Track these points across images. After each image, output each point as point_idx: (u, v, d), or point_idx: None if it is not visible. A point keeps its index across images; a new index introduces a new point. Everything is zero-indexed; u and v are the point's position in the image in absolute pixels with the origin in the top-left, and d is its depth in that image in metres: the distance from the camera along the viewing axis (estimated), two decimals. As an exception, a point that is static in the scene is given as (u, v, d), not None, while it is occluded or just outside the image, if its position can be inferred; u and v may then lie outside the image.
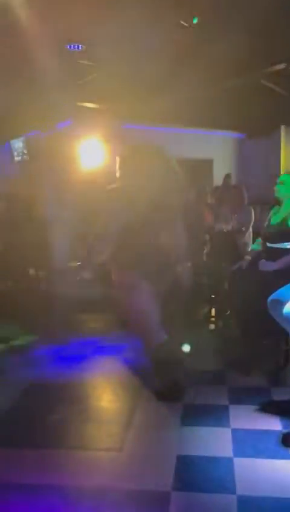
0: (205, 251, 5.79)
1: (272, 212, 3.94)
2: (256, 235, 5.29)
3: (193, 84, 5.64)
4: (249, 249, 5.33)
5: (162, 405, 3.18)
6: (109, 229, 2.84)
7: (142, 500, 2.19)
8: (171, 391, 3.12)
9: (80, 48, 4.48)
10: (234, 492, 2.19)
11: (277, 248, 3.61)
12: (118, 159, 2.92)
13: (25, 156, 9.31)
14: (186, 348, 3.67)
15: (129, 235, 2.79)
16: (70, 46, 4.30)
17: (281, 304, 2.97)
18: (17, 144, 9.44)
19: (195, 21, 3.77)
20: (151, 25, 3.92)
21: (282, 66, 5.45)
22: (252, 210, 5.51)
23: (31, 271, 6.83)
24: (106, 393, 3.48)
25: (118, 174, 2.88)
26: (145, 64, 4.72)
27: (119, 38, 4.10)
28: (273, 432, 2.73)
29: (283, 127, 9.21)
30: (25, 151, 9.25)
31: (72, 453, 2.62)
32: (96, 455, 2.60)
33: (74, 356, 4.15)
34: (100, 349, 4.32)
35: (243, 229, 5.39)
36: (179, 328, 3.96)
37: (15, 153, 9.58)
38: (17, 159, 9.56)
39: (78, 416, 3.06)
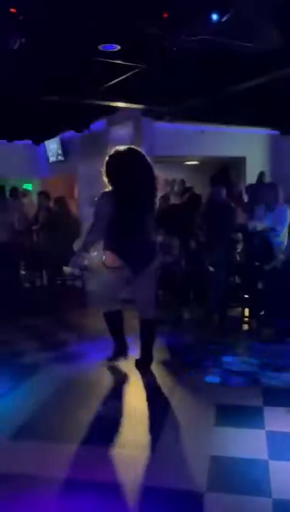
0: (238, 250, 5.73)
1: None
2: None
3: (225, 82, 5.59)
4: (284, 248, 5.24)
5: (195, 405, 3.17)
6: (99, 220, 3.58)
7: (176, 500, 2.19)
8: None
9: (114, 48, 4.50)
10: (269, 495, 2.16)
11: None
12: (104, 168, 3.62)
13: (59, 157, 9.47)
14: None
15: (112, 227, 3.54)
16: (104, 47, 4.33)
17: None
18: (52, 145, 9.62)
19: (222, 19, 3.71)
20: (183, 23, 3.92)
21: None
22: (288, 209, 5.38)
23: (66, 269, 6.94)
24: (140, 392, 3.49)
25: (107, 181, 3.61)
26: (179, 62, 4.70)
27: (152, 37, 4.10)
28: (310, 435, 2.67)
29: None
30: (60, 152, 9.40)
31: (107, 450, 2.64)
32: (130, 453, 2.61)
33: (107, 353, 4.19)
34: (133, 348, 4.35)
35: (278, 228, 5.28)
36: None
37: (50, 154, 9.76)
38: (51, 159, 9.74)
39: (113, 413, 3.09)
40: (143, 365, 3.76)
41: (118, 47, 4.43)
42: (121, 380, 3.67)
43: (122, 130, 7.74)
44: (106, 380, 3.65)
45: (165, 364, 3.94)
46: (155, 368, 3.79)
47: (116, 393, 3.46)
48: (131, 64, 4.98)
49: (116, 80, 5.45)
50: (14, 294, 6.38)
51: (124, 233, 3.54)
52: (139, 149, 3.72)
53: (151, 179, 3.62)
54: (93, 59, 4.65)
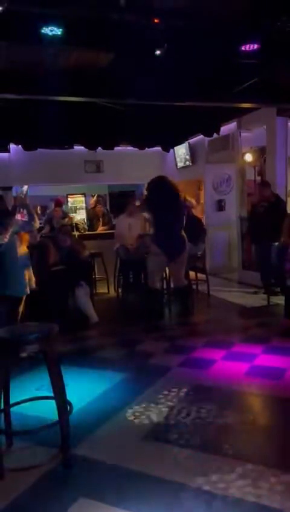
0: None
1: None
2: None
3: None
4: None
5: None
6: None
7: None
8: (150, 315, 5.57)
9: (252, 48, 4.36)
10: None
11: None
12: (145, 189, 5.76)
13: (187, 162, 9.56)
14: None
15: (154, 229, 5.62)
16: (243, 46, 4.22)
17: None
18: (181, 150, 9.75)
19: None
20: None
21: None
22: None
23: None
24: (275, 406, 3.29)
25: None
26: None
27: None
28: None
29: None
30: (188, 157, 9.49)
31: (236, 463, 2.52)
32: (261, 470, 2.45)
33: (237, 362, 4.07)
34: (263, 358, 4.15)
35: None
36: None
37: (178, 159, 9.91)
38: (179, 164, 9.87)
39: (246, 425, 2.95)
40: (185, 317, 5.65)
41: (257, 46, 4.28)
42: (254, 390, 3.51)
43: (254, 132, 7.51)
44: (237, 388, 3.52)
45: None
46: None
47: (249, 404, 3.32)
48: (269, 62, 4.78)
49: (252, 81, 5.29)
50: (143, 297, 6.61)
51: (159, 234, 5.42)
52: (166, 176, 5.59)
53: (176, 199, 5.31)
54: (232, 60, 4.56)
